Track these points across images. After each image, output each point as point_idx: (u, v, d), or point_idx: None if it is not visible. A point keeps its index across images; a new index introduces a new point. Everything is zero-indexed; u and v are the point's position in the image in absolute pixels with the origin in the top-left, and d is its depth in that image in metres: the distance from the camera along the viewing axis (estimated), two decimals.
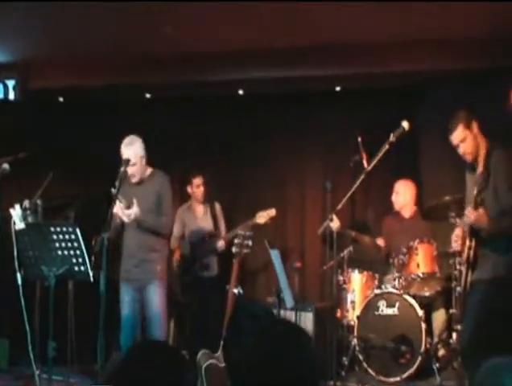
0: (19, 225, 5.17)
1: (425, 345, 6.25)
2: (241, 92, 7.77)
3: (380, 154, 5.54)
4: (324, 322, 6.58)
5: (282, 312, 6.12)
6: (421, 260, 6.49)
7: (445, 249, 6.18)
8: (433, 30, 6.39)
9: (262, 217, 7.12)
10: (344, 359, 6.46)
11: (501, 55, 6.60)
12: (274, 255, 5.66)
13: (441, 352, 6.57)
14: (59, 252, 4.93)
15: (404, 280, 6.55)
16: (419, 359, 6.23)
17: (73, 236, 4.88)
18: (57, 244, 4.91)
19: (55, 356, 5.19)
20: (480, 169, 4.66)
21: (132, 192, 5.73)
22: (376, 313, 6.51)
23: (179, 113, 8.19)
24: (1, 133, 7.35)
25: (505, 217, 4.54)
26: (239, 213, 7.92)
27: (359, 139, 6.14)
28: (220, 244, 7.36)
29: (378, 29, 6.41)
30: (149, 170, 5.90)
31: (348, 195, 5.76)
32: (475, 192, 4.57)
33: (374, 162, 5.60)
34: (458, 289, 5.48)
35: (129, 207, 5.59)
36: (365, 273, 6.87)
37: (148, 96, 7.99)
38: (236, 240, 5.69)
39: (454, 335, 6.23)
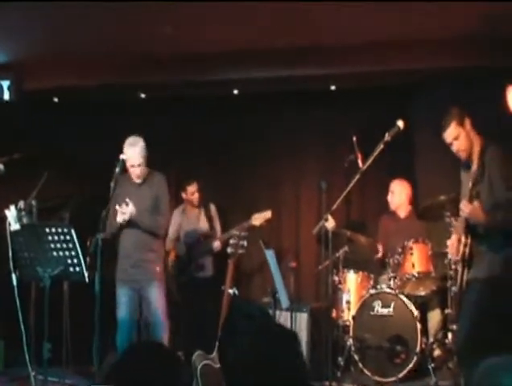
0: (14, 226, 5.17)
1: (420, 345, 6.25)
2: (236, 91, 7.76)
3: (375, 154, 5.54)
4: (320, 323, 6.59)
5: (277, 312, 6.12)
6: (416, 260, 6.49)
7: (440, 249, 6.18)
8: (431, 29, 6.38)
9: (258, 219, 7.12)
10: (340, 359, 6.46)
11: (497, 54, 6.61)
12: (270, 255, 5.65)
13: (436, 352, 6.57)
14: (55, 253, 4.93)
15: (399, 280, 6.55)
16: (415, 359, 6.23)
17: (68, 237, 4.88)
18: (52, 245, 4.91)
19: (51, 357, 5.20)
20: (474, 166, 4.65)
21: (130, 192, 5.73)
22: (371, 313, 6.51)
23: (174, 113, 8.18)
24: None
25: (500, 211, 4.53)
26: (235, 213, 7.92)
27: (354, 139, 6.15)
28: (216, 244, 7.36)
29: (376, 29, 6.40)
30: (146, 171, 5.90)
31: (344, 194, 5.76)
32: (470, 185, 4.56)
33: (369, 161, 5.60)
34: (453, 288, 5.48)
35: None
36: (361, 273, 6.87)
37: (143, 95, 7.97)
38: (231, 241, 5.69)
39: (449, 335, 6.24)
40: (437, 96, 7.05)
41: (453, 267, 5.33)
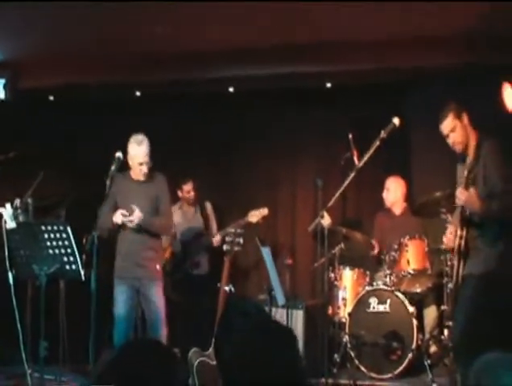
0: (10, 224, 5.16)
1: (416, 341, 6.27)
2: (231, 89, 7.75)
3: (371, 151, 5.54)
4: (316, 319, 6.60)
5: (273, 309, 6.12)
6: (411, 257, 6.51)
7: (436, 246, 6.20)
8: (426, 27, 6.38)
9: (255, 216, 7.14)
10: (336, 356, 6.45)
11: (492, 52, 6.62)
12: (266, 252, 5.65)
13: (433, 349, 6.59)
14: (51, 251, 4.91)
15: (395, 276, 6.56)
16: (411, 355, 6.25)
17: (64, 235, 4.87)
18: (48, 243, 4.90)
19: (47, 355, 5.18)
20: (470, 158, 4.66)
21: (130, 190, 5.72)
22: (367, 310, 6.52)
23: (170, 112, 8.16)
24: None
25: (495, 200, 4.54)
26: (231, 211, 7.92)
27: (350, 136, 6.15)
28: (216, 239, 7.36)
29: (373, 27, 6.41)
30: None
31: (340, 191, 5.76)
32: (465, 173, 4.57)
33: (365, 158, 5.61)
34: (449, 285, 5.49)
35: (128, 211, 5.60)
36: (357, 269, 6.89)
37: (138, 93, 7.95)
38: (227, 238, 5.70)
39: (445, 332, 6.25)
40: (431, 94, 7.06)
41: (449, 263, 5.34)
